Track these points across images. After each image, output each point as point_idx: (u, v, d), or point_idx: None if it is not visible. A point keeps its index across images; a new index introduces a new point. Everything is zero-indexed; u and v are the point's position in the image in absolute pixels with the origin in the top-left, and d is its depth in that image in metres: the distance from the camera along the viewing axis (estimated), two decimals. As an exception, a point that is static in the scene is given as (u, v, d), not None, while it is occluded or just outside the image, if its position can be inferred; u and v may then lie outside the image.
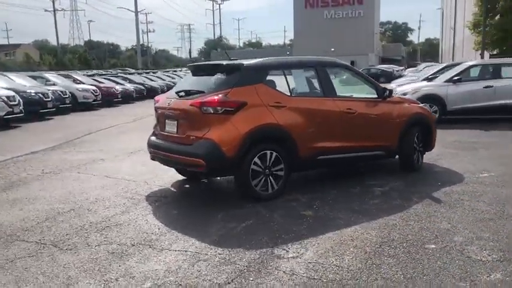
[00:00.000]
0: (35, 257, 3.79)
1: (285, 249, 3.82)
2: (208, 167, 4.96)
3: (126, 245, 4.00)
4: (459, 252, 3.68)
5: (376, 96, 6.30)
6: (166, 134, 5.58)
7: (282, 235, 4.15)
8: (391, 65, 47.72)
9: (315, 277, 3.30)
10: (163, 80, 30.41)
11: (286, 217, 4.69)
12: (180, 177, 6.36)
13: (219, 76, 5.47)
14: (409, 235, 4.09)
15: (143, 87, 25.45)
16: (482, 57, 23.50)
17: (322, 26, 69.72)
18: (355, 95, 6.42)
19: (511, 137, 9.60)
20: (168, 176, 6.39)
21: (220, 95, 5.06)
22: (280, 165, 5.29)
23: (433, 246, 3.83)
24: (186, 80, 6.37)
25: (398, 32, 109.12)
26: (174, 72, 37.56)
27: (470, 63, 12.93)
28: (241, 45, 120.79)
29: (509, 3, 20.76)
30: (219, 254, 3.76)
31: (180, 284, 3.25)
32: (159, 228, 4.43)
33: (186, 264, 3.57)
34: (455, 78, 11.70)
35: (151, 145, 5.86)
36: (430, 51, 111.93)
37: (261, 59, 5.68)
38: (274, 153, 5.23)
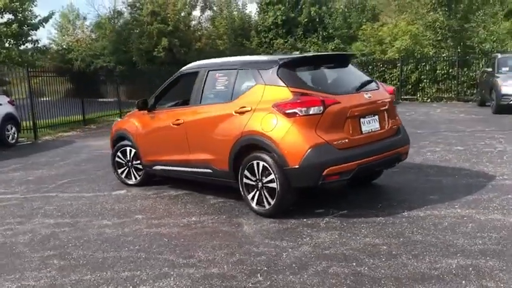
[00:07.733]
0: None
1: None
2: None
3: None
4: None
5: None
6: (366, 135, 4.67)
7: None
8: None
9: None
10: None
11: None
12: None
13: (353, 65, 5.57)
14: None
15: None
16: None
17: None
18: None
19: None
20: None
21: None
22: None
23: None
24: (323, 72, 5.15)
25: None
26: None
27: None
28: None
29: None
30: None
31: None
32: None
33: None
34: None
35: (348, 158, 4.43)
36: None
37: None
38: None
